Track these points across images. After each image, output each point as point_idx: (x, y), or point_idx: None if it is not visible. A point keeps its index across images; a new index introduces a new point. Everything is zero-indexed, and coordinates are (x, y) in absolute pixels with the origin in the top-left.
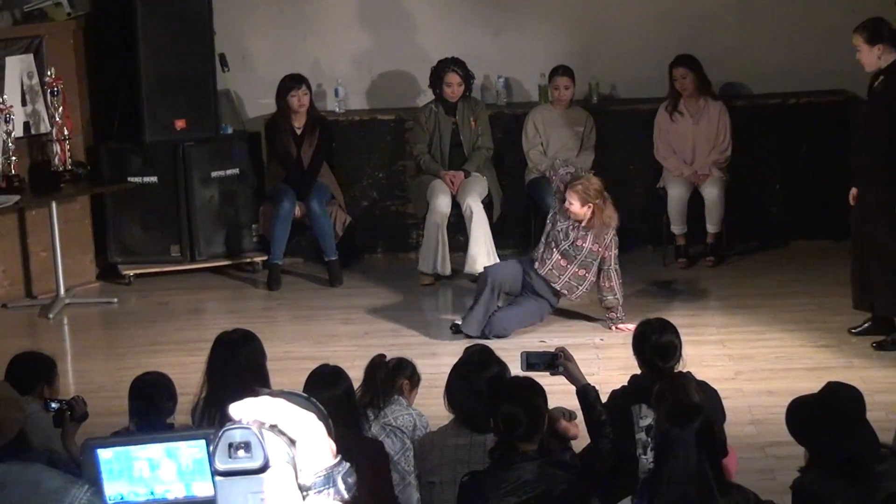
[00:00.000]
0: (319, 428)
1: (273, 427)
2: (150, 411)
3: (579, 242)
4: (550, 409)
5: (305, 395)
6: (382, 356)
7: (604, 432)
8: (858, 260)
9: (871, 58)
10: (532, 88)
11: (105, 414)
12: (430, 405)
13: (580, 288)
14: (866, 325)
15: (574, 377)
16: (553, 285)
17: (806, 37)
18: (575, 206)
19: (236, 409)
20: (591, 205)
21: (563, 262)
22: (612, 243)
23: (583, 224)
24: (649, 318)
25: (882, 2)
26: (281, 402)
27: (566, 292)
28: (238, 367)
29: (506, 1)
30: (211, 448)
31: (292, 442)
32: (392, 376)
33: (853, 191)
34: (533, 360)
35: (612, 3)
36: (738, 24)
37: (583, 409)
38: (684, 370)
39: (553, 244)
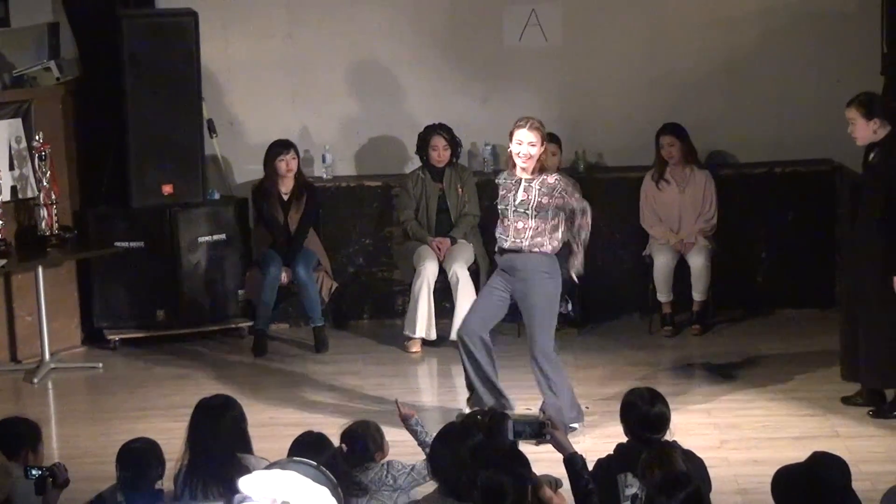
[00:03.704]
0: (333, 503)
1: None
2: (139, 479)
3: (524, 196)
4: (535, 476)
5: (315, 463)
6: (361, 424)
7: (591, 501)
8: (849, 331)
9: (867, 132)
10: None
11: (90, 479)
12: None
13: (546, 241)
14: (858, 398)
15: (561, 445)
16: (521, 246)
17: (792, 106)
18: (536, 144)
19: (247, 484)
20: (545, 145)
21: (518, 225)
22: (567, 191)
23: (527, 173)
24: (638, 387)
25: (867, 72)
26: (292, 476)
27: (537, 249)
28: (219, 433)
29: (493, 69)
30: None
31: None
32: (366, 447)
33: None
34: (519, 428)
35: (599, 71)
36: (725, 94)
37: (570, 477)
38: (671, 439)
39: (507, 217)
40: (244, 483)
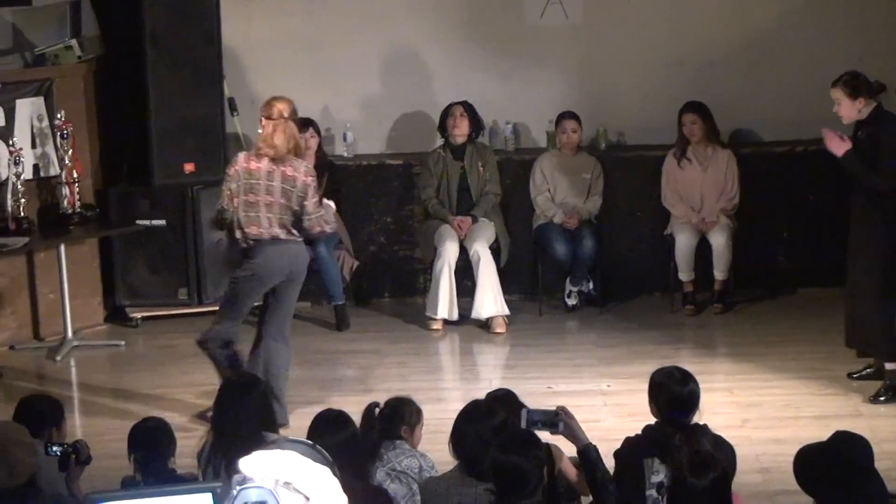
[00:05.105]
0: (334, 483)
1: (288, 484)
2: (152, 459)
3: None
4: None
5: (311, 443)
6: (374, 406)
7: (607, 490)
8: (849, 300)
9: (852, 111)
10: (540, 135)
11: (111, 457)
12: (436, 451)
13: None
14: (867, 370)
15: (575, 436)
16: None
17: (814, 85)
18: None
19: (248, 465)
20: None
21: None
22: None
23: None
24: (666, 366)
25: (890, 50)
26: (294, 457)
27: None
28: (246, 412)
29: (514, 47)
30: None
31: (307, 499)
32: (389, 424)
33: None
34: (534, 418)
35: (621, 49)
36: (747, 72)
37: (584, 468)
38: (699, 420)
39: None
40: (244, 464)
